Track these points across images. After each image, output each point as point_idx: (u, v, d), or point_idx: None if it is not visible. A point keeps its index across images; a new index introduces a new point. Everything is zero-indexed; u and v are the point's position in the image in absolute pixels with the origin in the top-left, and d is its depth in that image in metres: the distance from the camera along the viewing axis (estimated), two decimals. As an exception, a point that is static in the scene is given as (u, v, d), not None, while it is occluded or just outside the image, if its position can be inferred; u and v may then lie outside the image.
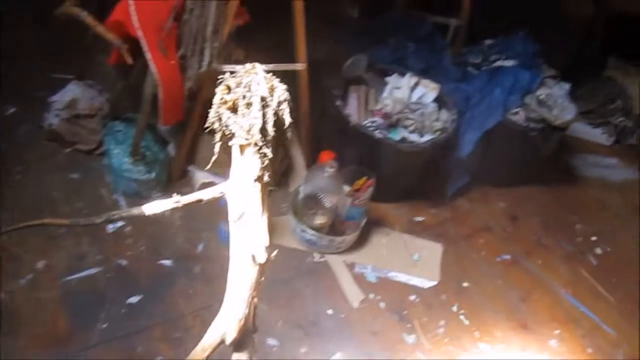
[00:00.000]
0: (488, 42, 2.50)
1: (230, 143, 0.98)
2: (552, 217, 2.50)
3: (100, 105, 2.19)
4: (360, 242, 2.16)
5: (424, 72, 2.41)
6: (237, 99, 0.97)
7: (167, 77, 1.84)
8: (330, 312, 1.92)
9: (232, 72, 0.99)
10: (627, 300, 2.19)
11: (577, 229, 2.47)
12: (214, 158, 1.10)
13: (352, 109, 2.16)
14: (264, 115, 0.96)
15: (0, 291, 1.74)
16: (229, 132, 0.99)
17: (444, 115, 2.20)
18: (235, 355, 1.08)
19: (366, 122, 2.14)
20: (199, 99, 1.99)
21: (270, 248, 1.01)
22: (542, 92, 2.33)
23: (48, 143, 2.22)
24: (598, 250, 2.38)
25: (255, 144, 0.97)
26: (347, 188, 2.02)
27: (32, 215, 1.82)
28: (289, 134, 1.02)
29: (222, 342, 1.02)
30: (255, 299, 1.04)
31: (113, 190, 2.14)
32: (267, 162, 1.00)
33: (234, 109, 0.99)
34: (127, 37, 1.76)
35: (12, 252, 1.85)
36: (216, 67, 1.85)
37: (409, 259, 2.15)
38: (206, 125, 1.05)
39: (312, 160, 2.38)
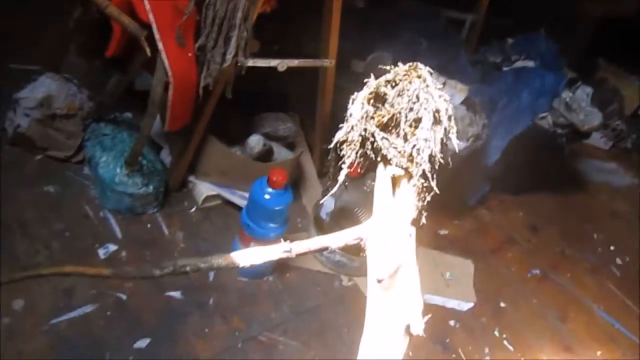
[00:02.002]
0: (510, 40, 2.32)
1: (390, 173, 0.71)
2: (569, 226, 2.39)
3: (81, 104, 1.81)
4: (388, 261, 1.92)
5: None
6: (396, 113, 0.71)
7: (182, 73, 1.51)
8: (369, 345, 1.68)
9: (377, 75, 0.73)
10: (655, 313, 2.12)
11: (595, 238, 2.37)
12: (334, 189, 0.84)
13: (380, 112, 1.91)
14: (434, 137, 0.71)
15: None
16: (379, 157, 0.73)
17: (476, 119, 2.01)
18: None
19: (398, 127, 1.90)
20: (210, 99, 1.67)
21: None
22: (566, 96, 2.19)
23: (11, 149, 1.82)
24: (618, 261, 2.30)
25: (423, 176, 0.71)
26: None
27: None
28: (449, 161, 0.76)
29: None
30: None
31: (99, 206, 1.77)
32: (428, 199, 0.74)
33: (384, 126, 0.73)
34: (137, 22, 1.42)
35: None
36: (241, 62, 1.55)
37: (442, 278, 1.95)
38: (332, 145, 0.78)
39: (321, 168, 2.12)
